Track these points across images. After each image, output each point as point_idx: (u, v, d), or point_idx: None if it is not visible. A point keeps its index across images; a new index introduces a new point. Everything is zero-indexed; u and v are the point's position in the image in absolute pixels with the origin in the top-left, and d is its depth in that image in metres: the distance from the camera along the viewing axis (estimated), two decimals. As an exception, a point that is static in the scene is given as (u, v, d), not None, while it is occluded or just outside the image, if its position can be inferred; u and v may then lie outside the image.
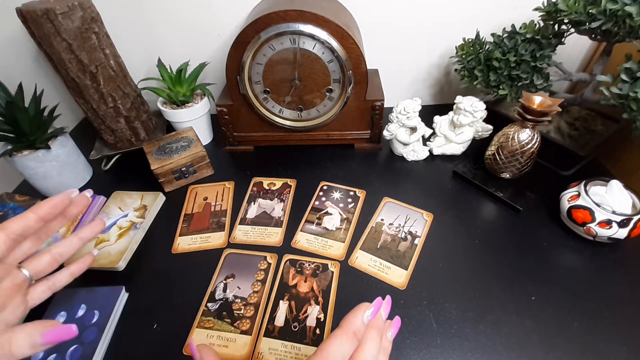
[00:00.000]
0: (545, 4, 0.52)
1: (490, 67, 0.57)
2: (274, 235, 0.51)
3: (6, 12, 0.58)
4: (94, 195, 0.57)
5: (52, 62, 0.54)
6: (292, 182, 0.60)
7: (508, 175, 0.56)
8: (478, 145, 0.63)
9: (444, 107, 0.65)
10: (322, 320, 0.41)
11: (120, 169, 0.65)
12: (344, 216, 0.54)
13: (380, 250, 0.49)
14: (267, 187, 0.59)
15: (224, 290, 0.45)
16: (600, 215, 0.44)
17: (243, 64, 0.54)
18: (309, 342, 0.39)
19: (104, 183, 0.63)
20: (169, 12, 0.67)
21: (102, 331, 0.39)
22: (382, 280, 0.45)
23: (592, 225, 0.44)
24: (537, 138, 0.51)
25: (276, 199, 0.57)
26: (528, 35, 0.53)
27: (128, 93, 0.61)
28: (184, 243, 0.51)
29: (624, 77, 0.44)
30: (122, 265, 0.47)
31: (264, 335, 0.40)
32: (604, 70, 0.53)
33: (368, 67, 0.56)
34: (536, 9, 0.53)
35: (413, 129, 0.61)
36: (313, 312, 0.42)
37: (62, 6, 0.49)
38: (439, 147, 0.63)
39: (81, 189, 0.60)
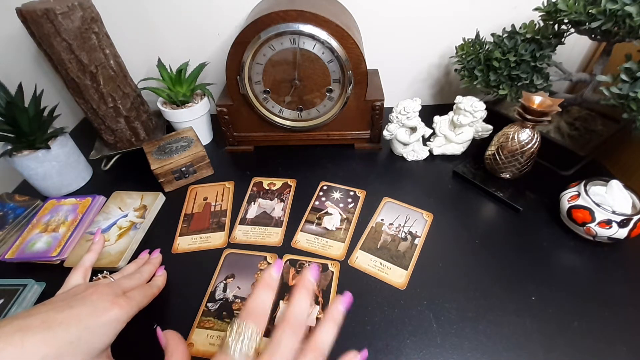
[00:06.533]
0: (545, 4, 0.52)
1: (490, 67, 0.57)
2: (274, 235, 0.51)
3: (6, 12, 0.58)
4: (93, 195, 0.57)
5: (52, 62, 0.54)
6: (292, 182, 0.60)
7: (508, 175, 0.56)
8: (478, 145, 0.62)
9: (444, 107, 0.65)
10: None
11: (120, 169, 0.65)
12: (344, 216, 0.54)
13: (380, 250, 0.49)
14: (267, 187, 0.59)
15: (224, 290, 0.45)
16: (600, 215, 0.44)
17: (243, 64, 0.54)
18: (309, 342, 0.39)
19: (104, 183, 0.63)
20: (169, 12, 0.67)
21: (102, 331, 0.39)
22: (382, 280, 0.45)
23: (592, 225, 0.44)
24: (537, 138, 0.51)
25: (276, 199, 0.57)
26: (528, 35, 0.53)
27: (128, 93, 0.61)
28: (184, 243, 0.51)
29: (624, 77, 0.44)
30: (122, 265, 0.47)
31: (264, 336, 0.40)
32: (604, 70, 0.53)
33: (368, 67, 0.56)
34: (536, 9, 0.53)
35: (413, 129, 0.61)
36: (313, 312, 0.42)
37: (62, 6, 0.49)
38: (439, 147, 0.63)
39: (81, 189, 0.61)
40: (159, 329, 0.34)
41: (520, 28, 0.55)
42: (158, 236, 0.53)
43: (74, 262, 0.47)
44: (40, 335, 0.28)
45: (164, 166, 0.57)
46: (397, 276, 0.45)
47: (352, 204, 0.55)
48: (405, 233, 0.50)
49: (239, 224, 0.53)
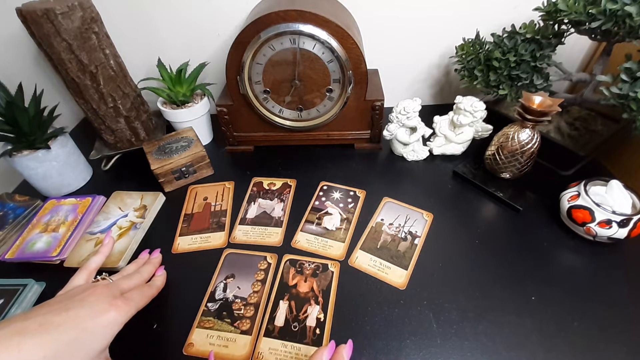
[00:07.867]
0: (545, 4, 0.52)
1: (490, 67, 0.57)
2: (274, 235, 0.51)
3: (6, 12, 0.58)
4: (93, 195, 0.57)
5: (52, 62, 0.54)
6: (292, 182, 0.60)
7: (508, 175, 0.56)
8: (478, 145, 0.62)
9: (444, 107, 0.65)
10: (322, 320, 0.41)
11: (120, 169, 0.65)
12: (344, 216, 0.54)
13: (380, 250, 0.49)
14: (267, 187, 0.59)
15: (224, 290, 0.45)
16: (600, 215, 0.44)
17: (243, 64, 0.54)
18: (309, 342, 0.39)
19: (104, 183, 0.63)
20: (169, 12, 0.67)
21: (102, 331, 0.39)
22: (382, 280, 0.45)
23: (592, 225, 0.44)
24: (537, 138, 0.51)
25: (276, 199, 0.57)
26: (528, 35, 0.53)
27: (128, 93, 0.61)
28: (184, 243, 0.51)
29: (624, 77, 0.44)
30: (122, 265, 0.47)
31: (264, 335, 0.40)
32: (604, 70, 0.53)
33: (368, 67, 0.56)
34: (536, 9, 0.53)
35: (413, 129, 0.61)
36: (313, 312, 0.42)
37: (62, 6, 0.49)
38: (439, 147, 0.63)
39: (81, 189, 0.61)
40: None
41: (520, 28, 0.55)
42: (158, 236, 0.53)
43: (74, 262, 0.48)
44: (37, 339, 0.28)
45: (164, 166, 0.57)
46: (397, 276, 0.45)
47: (352, 204, 0.55)
48: (405, 233, 0.50)
49: (239, 224, 0.53)
